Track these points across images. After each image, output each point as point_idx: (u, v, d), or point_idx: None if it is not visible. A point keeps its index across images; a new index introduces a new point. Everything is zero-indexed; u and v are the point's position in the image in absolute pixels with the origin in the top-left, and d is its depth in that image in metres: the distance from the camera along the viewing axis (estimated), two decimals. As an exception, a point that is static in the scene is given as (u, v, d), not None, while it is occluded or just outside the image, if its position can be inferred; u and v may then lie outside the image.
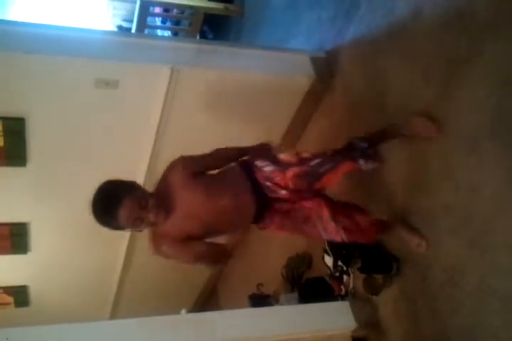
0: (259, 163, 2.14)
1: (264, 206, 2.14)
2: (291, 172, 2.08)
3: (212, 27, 5.76)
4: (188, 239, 2.03)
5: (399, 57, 2.56)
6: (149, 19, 5.48)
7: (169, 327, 2.39)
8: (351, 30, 3.02)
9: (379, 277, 2.55)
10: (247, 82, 3.00)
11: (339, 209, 2.21)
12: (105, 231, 3.91)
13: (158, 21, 5.86)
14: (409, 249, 2.37)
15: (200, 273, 4.84)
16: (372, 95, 2.75)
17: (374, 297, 2.61)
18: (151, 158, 3.19)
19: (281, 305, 3.18)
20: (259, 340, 2.46)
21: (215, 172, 2.19)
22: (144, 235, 3.92)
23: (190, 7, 5.22)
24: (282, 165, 2.12)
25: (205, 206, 2.01)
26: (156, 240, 2.04)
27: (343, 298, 2.81)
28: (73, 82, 2.70)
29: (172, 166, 2.07)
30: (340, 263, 2.79)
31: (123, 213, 1.83)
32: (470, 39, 2.12)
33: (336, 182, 2.19)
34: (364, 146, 2.16)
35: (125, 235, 3.83)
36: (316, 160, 2.11)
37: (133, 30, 5.24)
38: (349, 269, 2.78)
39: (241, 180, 2.12)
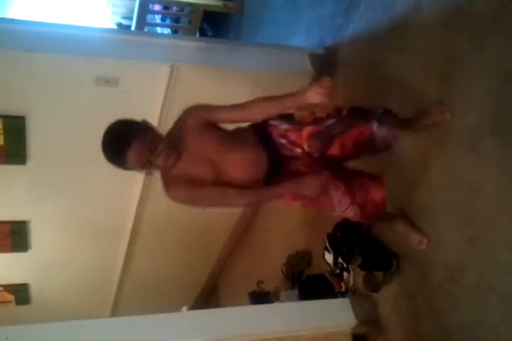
0: (274, 122, 2.12)
1: (278, 165, 2.10)
2: (307, 131, 2.05)
3: (212, 24, 5.76)
4: (199, 184, 1.98)
5: (399, 54, 2.56)
6: (149, 17, 5.47)
7: (170, 324, 2.40)
8: (351, 27, 3.02)
9: (379, 274, 2.55)
10: (246, 80, 3.00)
11: (354, 181, 2.16)
12: (106, 229, 3.92)
13: (157, 19, 5.85)
14: (409, 246, 2.37)
15: (201, 270, 4.86)
16: (372, 92, 2.75)
17: (374, 294, 2.61)
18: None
19: (282, 302, 3.18)
20: (260, 337, 2.47)
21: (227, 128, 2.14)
22: (144, 233, 3.93)
23: (190, 4, 5.22)
24: (298, 124, 2.10)
25: (215, 152, 1.99)
26: (168, 183, 2.00)
27: (343, 295, 2.81)
28: (73, 80, 2.70)
29: (186, 112, 2.04)
30: (340, 260, 2.80)
31: (132, 156, 1.81)
32: (470, 36, 2.12)
33: (346, 150, 2.08)
34: (379, 112, 2.09)
35: (125, 232, 3.83)
36: (331, 120, 2.07)
37: (132, 28, 5.24)
38: (349, 266, 2.78)
39: (253, 138, 2.09)
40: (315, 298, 2.76)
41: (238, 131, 2.12)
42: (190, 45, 3.00)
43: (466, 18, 2.15)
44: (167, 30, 5.85)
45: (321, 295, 2.83)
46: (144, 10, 5.12)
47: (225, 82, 2.96)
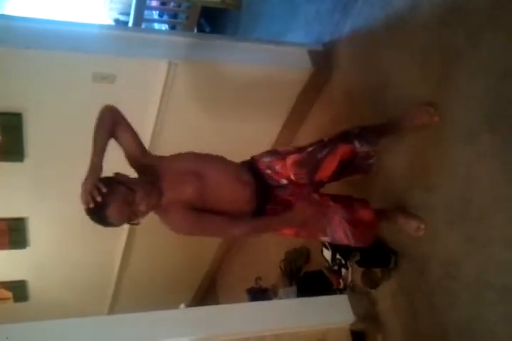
0: (258, 156, 2.18)
1: (266, 195, 2.12)
2: (290, 160, 2.09)
3: (210, 20, 5.74)
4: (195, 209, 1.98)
5: (397, 49, 2.56)
6: (146, 12, 5.45)
7: (168, 321, 2.40)
8: (349, 23, 3.01)
9: (377, 271, 2.55)
10: (244, 76, 2.99)
11: (343, 203, 2.20)
12: (103, 227, 3.90)
13: (155, 15, 5.83)
14: (407, 243, 2.38)
15: (199, 267, 4.86)
16: (370, 87, 2.74)
17: (372, 290, 2.61)
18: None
19: (280, 298, 3.19)
20: (258, 334, 2.47)
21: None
22: (143, 229, 3.93)
23: (187, 0, 5.20)
24: (281, 154, 2.15)
25: (196, 171, 1.99)
26: (166, 215, 1.99)
27: (341, 291, 2.82)
28: (70, 76, 2.69)
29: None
30: (338, 256, 2.80)
31: (112, 213, 1.83)
32: (468, 32, 2.11)
33: (333, 170, 2.13)
34: (356, 131, 2.17)
35: (123, 229, 3.83)
36: (313, 147, 2.12)
37: (130, 24, 5.22)
38: (347, 263, 2.78)
39: (240, 167, 2.12)
40: (313, 294, 2.76)
41: (228, 161, 2.15)
42: (188, 41, 2.99)
43: (463, 14, 2.14)
44: (164, 26, 5.83)
45: (319, 291, 2.84)
46: (141, 6, 5.10)
47: (223, 78, 2.95)
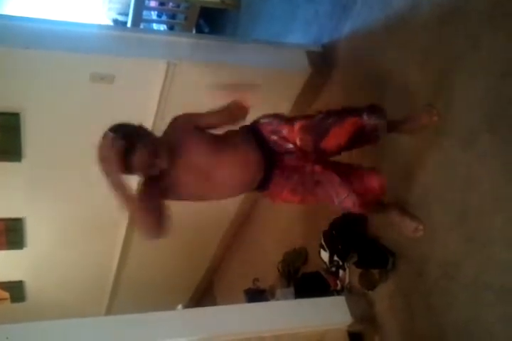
0: (265, 119, 2.15)
1: (273, 162, 2.11)
2: (298, 125, 2.08)
3: (209, 21, 5.74)
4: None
5: (397, 50, 2.56)
6: (145, 13, 5.45)
7: (165, 322, 2.40)
8: (348, 24, 3.01)
9: (375, 272, 2.55)
10: (243, 77, 2.99)
11: (349, 172, 2.18)
12: (101, 226, 3.91)
13: (153, 15, 5.83)
14: (405, 243, 2.38)
15: (197, 267, 4.85)
16: (370, 88, 2.74)
17: (370, 292, 2.61)
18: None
19: (277, 299, 3.18)
20: (255, 335, 2.46)
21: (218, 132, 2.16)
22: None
23: (186, 1, 5.20)
24: (288, 119, 2.14)
25: (208, 155, 1.99)
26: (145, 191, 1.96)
27: (339, 292, 2.81)
28: (68, 76, 2.69)
29: (175, 120, 2.07)
30: (336, 257, 2.80)
31: (138, 159, 1.83)
32: (467, 33, 2.11)
33: (340, 142, 2.11)
34: (365, 106, 2.15)
35: (121, 230, 3.82)
36: (321, 115, 2.12)
37: (128, 24, 5.22)
38: (345, 264, 2.78)
39: (245, 139, 2.10)
40: (311, 295, 2.76)
41: (230, 133, 2.14)
42: (187, 42, 2.99)
43: (463, 15, 2.14)
44: (163, 27, 5.83)
45: (317, 293, 2.83)
46: (140, 6, 5.10)
47: (222, 79, 2.94)
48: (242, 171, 2.05)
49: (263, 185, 2.13)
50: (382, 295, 2.55)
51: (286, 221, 3.63)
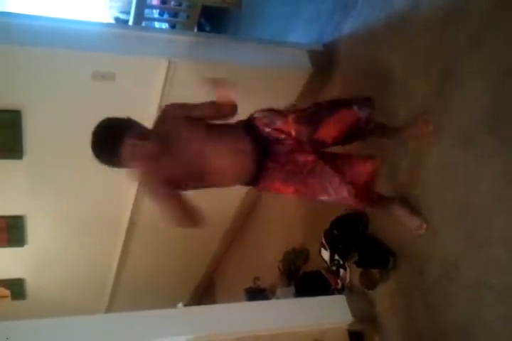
0: (259, 113, 2.18)
1: (266, 153, 2.12)
2: (292, 116, 2.11)
3: (210, 19, 5.74)
4: (174, 187, 2.03)
5: (397, 50, 2.55)
6: (147, 11, 5.45)
7: (166, 320, 2.40)
8: (349, 23, 3.01)
9: (375, 271, 2.55)
10: (244, 75, 2.99)
11: (341, 161, 2.19)
12: (102, 224, 3.91)
13: (155, 13, 5.83)
14: (406, 243, 2.37)
15: (197, 266, 4.85)
16: (371, 88, 2.74)
17: (370, 291, 2.61)
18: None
19: (278, 298, 3.18)
20: (256, 333, 2.47)
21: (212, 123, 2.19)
22: (140, 228, 3.93)
23: (188, -1, 5.20)
24: (282, 112, 2.17)
25: (202, 142, 2.03)
26: (145, 176, 2.05)
27: (339, 292, 2.81)
28: (70, 74, 2.69)
29: (166, 109, 2.12)
30: (337, 257, 2.80)
31: (126, 145, 1.89)
32: (468, 32, 2.11)
33: (334, 134, 2.13)
34: (353, 98, 2.20)
35: (122, 228, 3.82)
36: (314, 107, 2.17)
37: (130, 23, 5.21)
38: (346, 263, 2.78)
39: (240, 132, 2.13)
40: (311, 294, 2.76)
41: (225, 125, 2.17)
42: (188, 40, 2.99)
43: (464, 15, 2.14)
44: (165, 25, 5.83)
45: (318, 292, 2.83)
46: (141, 4, 5.10)
47: (223, 78, 2.94)
48: (235, 161, 2.07)
49: (256, 177, 2.13)
50: (383, 295, 2.55)
51: (287, 220, 3.63)
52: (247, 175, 2.12)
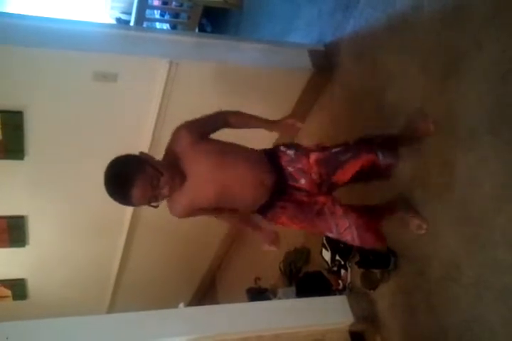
0: (283, 147, 2.16)
1: (280, 191, 2.11)
2: (314, 157, 2.10)
3: (211, 20, 5.74)
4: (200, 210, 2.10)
5: (398, 51, 2.55)
6: (148, 12, 5.46)
7: (167, 320, 2.40)
8: (351, 24, 3.01)
9: (377, 272, 2.55)
10: (245, 76, 2.99)
11: (352, 207, 2.18)
12: (104, 224, 3.91)
13: (156, 14, 5.83)
14: (407, 243, 2.37)
15: (199, 266, 4.86)
16: (372, 88, 2.74)
17: (371, 291, 2.61)
18: (149, 151, 3.17)
19: (279, 299, 3.18)
20: (257, 334, 2.47)
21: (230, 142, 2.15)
22: (142, 229, 3.92)
23: (189, 0, 5.20)
24: (305, 150, 2.15)
25: (217, 169, 1.99)
26: (173, 206, 2.07)
27: (340, 292, 2.81)
28: (71, 75, 2.69)
29: (177, 131, 2.03)
30: (338, 257, 2.80)
31: (136, 193, 1.81)
32: (469, 33, 2.11)
33: (350, 176, 2.14)
34: (379, 141, 2.20)
35: (123, 228, 3.83)
36: (338, 148, 2.14)
37: (131, 23, 5.22)
38: (347, 264, 2.78)
39: (261, 159, 2.10)
40: (312, 295, 2.76)
41: (247, 149, 2.15)
42: (189, 41, 2.99)
43: (465, 16, 2.14)
44: (166, 26, 5.83)
45: (319, 292, 2.83)
46: (143, 5, 5.10)
47: (224, 78, 2.95)
48: (255, 193, 2.06)
49: (266, 207, 2.13)
50: (384, 295, 2.55)
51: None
52: (258, 206, 2.13)
